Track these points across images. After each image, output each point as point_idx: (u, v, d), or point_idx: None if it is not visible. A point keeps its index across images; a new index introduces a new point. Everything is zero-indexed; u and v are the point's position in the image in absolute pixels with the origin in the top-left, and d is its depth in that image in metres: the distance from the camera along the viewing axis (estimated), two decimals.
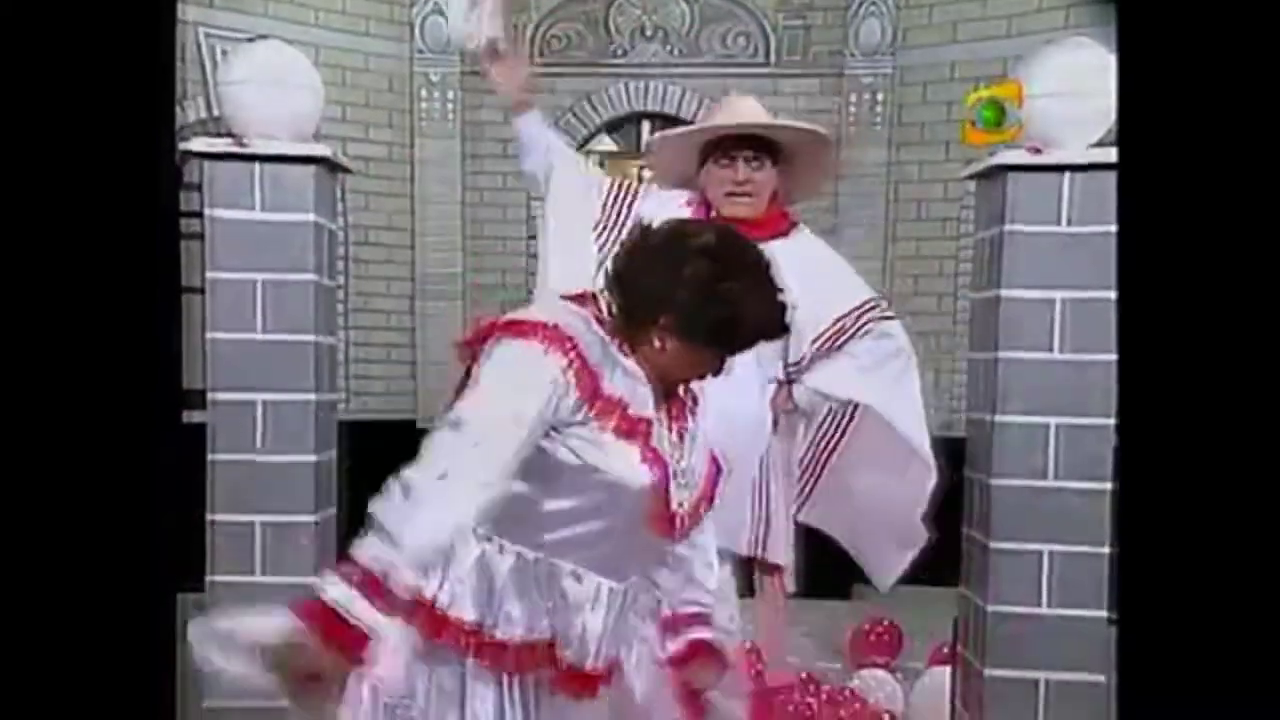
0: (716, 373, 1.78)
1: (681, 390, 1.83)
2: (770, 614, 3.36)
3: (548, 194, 3.14)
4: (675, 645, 1.93)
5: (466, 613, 1.71)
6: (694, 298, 1.68)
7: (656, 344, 1.72)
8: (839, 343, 3.07)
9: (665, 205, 2.93)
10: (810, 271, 2.82)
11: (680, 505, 1.78)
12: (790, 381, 3.10)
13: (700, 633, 1.94)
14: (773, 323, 1.73)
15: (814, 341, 3.05)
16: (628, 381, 1.72)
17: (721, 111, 3.30)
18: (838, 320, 3.06)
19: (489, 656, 1.71)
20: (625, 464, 1.70)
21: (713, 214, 3.04)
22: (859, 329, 3.06)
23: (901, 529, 3.18)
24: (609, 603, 1.77)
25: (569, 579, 1.74)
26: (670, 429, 1.79)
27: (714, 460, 1.90)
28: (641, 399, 1.73)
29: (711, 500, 1.88)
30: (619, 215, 3.11)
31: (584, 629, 1.75)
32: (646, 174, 3.79)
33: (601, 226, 3.11)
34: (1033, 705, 2.63)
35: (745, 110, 3.22)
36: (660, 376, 1.76)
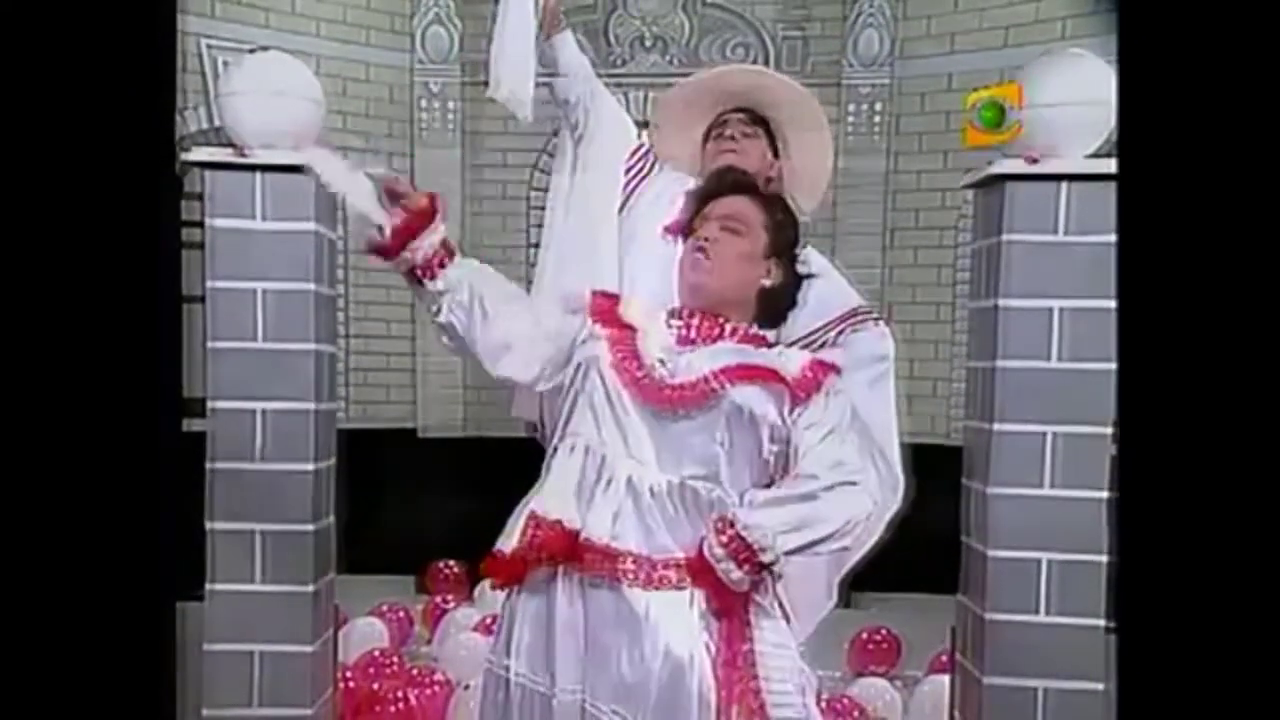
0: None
1: (743, 325, 2.11)
2: None
3: (586, 125, 3.01)
4: None
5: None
6: None
7: None
8: (814, 348, 2.68)
9: (671, 186, 2.89)
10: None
11: (655, 373, 2.01)
12: None
13: None
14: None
15: (791, 345, 2.94)
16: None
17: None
18: (818, 329, 2.76)
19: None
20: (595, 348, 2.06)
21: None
22: (840, 335, 2.79)
23: (813, 583, 2.57)
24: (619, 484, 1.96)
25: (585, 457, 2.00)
26: (684, 334, 2.07)
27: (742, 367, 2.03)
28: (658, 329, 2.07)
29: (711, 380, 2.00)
30: (632, 187, 3.03)
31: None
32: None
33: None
34: (1031, 714, 2.63)
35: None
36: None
